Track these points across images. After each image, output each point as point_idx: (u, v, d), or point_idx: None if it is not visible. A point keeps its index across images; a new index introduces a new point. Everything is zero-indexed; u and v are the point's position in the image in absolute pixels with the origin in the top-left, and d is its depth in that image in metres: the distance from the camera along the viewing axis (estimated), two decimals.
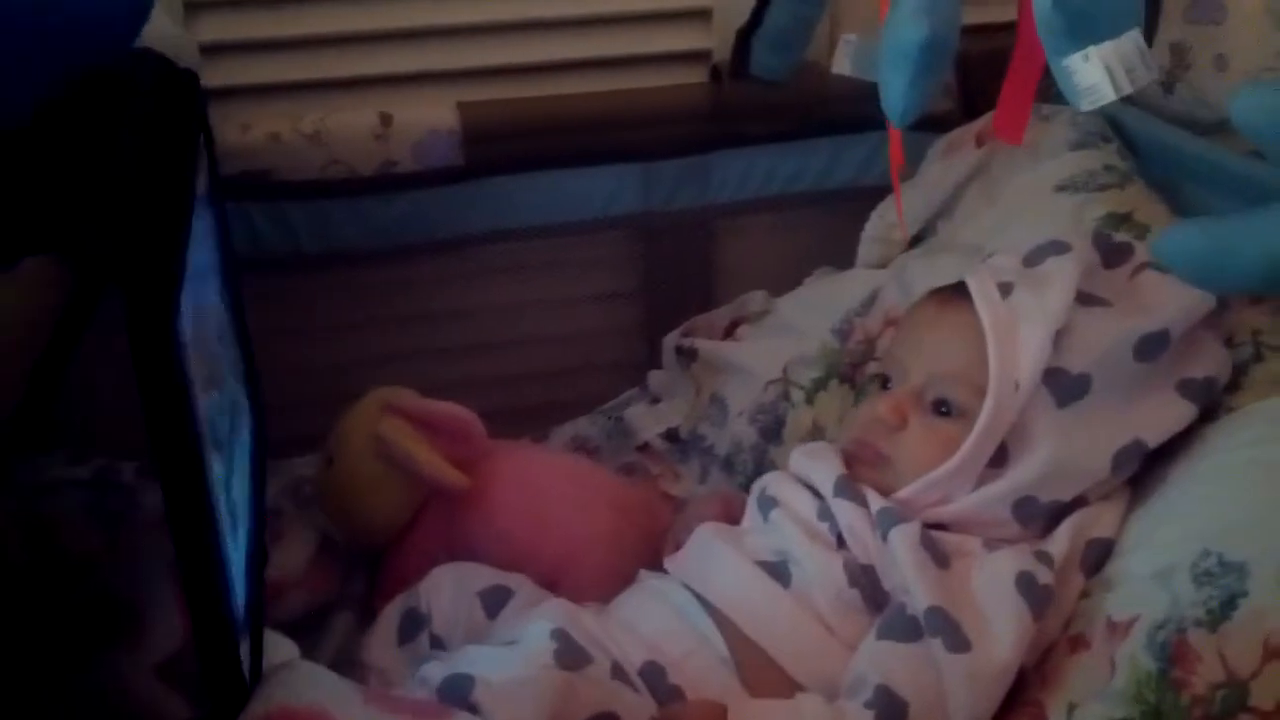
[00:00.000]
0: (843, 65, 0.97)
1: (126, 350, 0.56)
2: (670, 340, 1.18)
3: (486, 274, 1.19)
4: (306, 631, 0.98)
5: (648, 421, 1.16)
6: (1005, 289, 0.87)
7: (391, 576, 0.99)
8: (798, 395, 1.08)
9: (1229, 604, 0.71)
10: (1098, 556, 0.82)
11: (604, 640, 0.84)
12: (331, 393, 1.03)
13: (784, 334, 1.13)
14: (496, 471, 0.99)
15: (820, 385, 1.07)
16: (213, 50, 1.09)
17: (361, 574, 1.03)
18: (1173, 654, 0.71)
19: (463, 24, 1.13)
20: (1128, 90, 0.71)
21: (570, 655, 0.79)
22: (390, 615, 0.92)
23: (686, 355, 1.17)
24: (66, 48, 0.65)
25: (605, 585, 0.93)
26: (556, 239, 1.18)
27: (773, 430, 1.07)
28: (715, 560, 0.87)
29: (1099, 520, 0.84)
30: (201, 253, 0.74)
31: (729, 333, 1.18)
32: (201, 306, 0.69)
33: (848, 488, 0.86)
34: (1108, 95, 0.71)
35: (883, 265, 1.14)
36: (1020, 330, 0.84)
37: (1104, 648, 0.75)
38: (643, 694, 0.81)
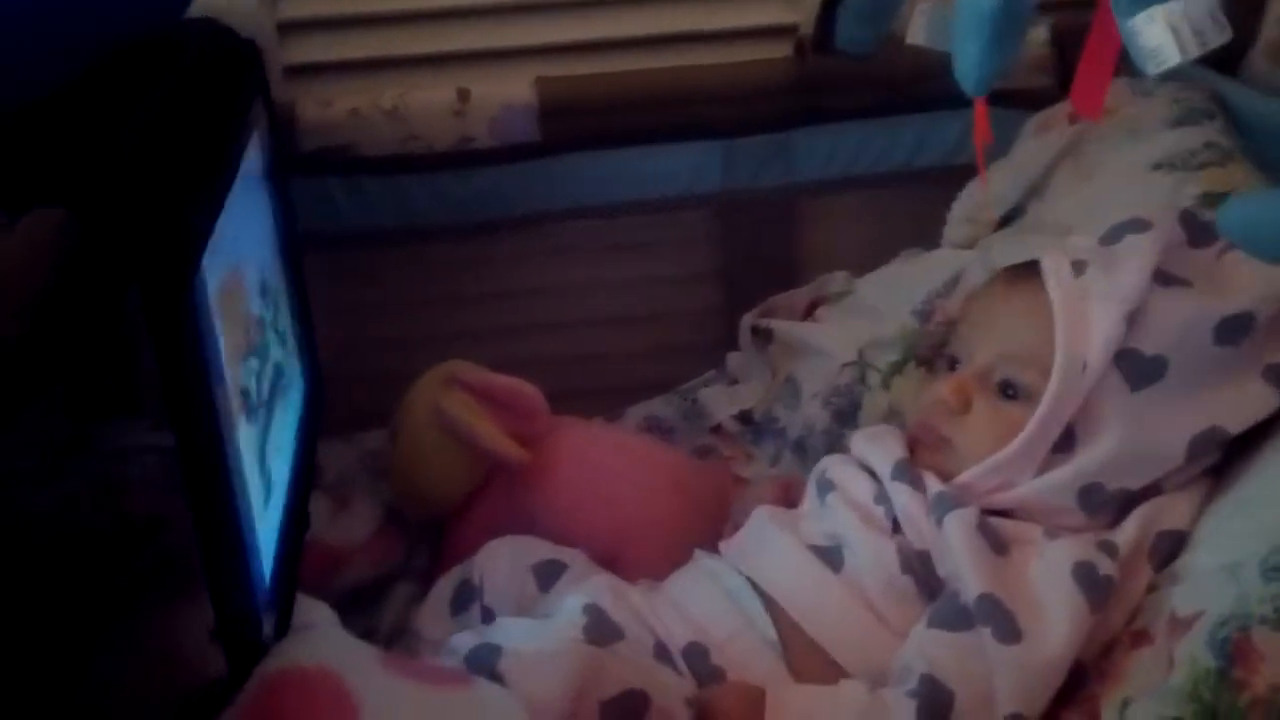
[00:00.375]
0: (917, 34, 0.93)
1: None
2: (747, 320, 1.16)
3: (564, 252, 1.18)
4: (369, 601, 0.99)
5: (722, 403, 1.14)
6: (1079, 267, 0.83)
7: (453, 549, 0.99)
8: (874, 378, 1.05)
9: None
10: (1169, 549, 0.78)
11: (649, 618, 0.83)
12: (407, 368, 1.04)
13: (863, 315, 1.09)
14: (558, 448, 0.98)
15: (897, 369, 1.04)
16: (296, 27, 1.10)
17: (426, 547, 1.03)
18: (1234, 652, 0.67)
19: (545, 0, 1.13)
20: (1195, 53, 0.67)
21: (600, 631, 0.78)
22: (444, 586, 0.92)
23: (763, 336, 1.15)
24: (108, 14, 0.66)
25: (664, 565, 0.91)
26: (635, 217, 1.17)
27: (847, 414, 1.04)
28: (767, 544, 0.85)
29: (1172, 510, 0.79)
30: (249, 224, 0.75)
31: (809, 313, 1.15)
32: (238, 274, 0.69)
33: (906, 471, 0.83)
34: (1173, 58, 0.67)
35: (970, 246, 1.10)
36: (1091, 309, 0.81)
37: (1165, 643, 0.71)
38: (684, 674, 0.80)
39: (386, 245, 1.14)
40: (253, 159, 0.75)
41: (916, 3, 0.93)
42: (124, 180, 0.56)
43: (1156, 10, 0.67)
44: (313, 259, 1.13)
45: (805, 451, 1.06)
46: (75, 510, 0.91)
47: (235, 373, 0.65)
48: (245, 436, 0.66)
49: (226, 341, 0.62)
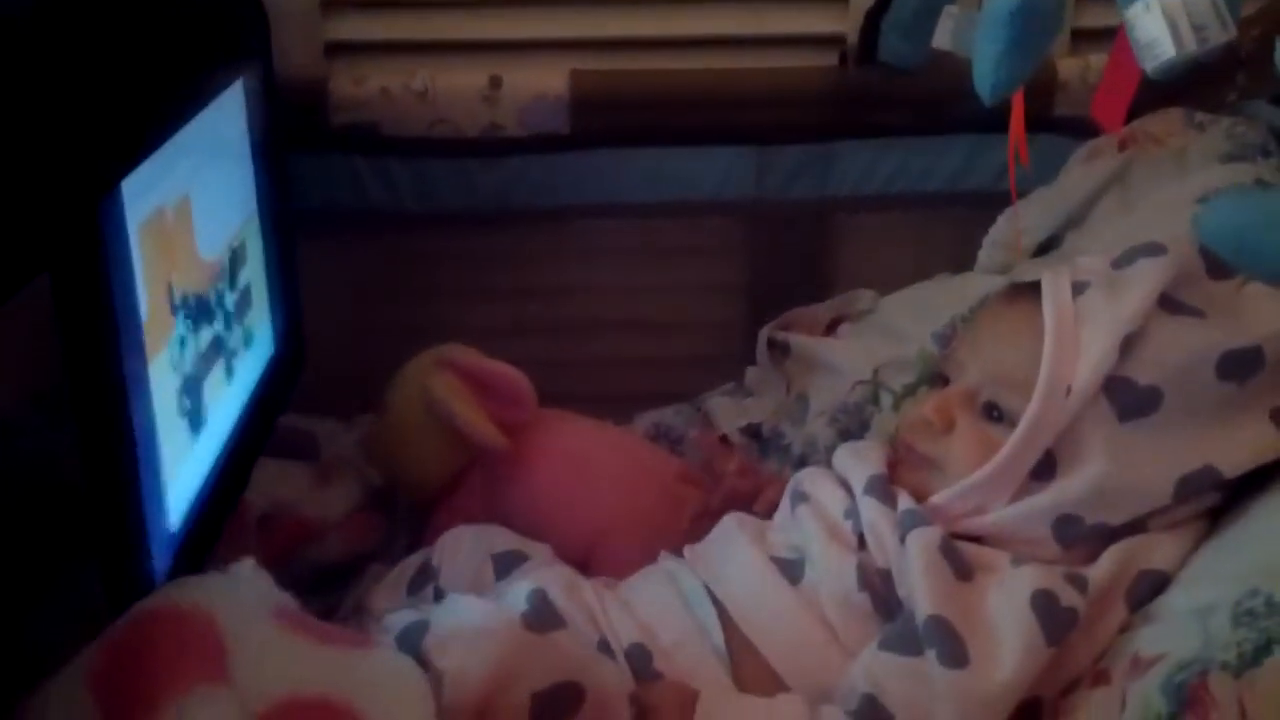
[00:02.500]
0: (943, 39, 0.91)
1: None
2: (764, 333, 1.12)
3: (587, 251, 1.16)
4: (342, 578, 0.98)
5: (730, 414, 1.10)
6: (1079, 289, 0.78)
7: (432, 533, 0.97)
8: (887, 400, 1.00)
9: (1264, 649, 0.61)
10: (1148, 589, 0.73)
11: (596, 615, 0.79)
12: (417, 353, 1.02)
13: (883, 335, 1.05)
14: (544, 439, 0.96)
15: (910, 391, 1.00)
16: (339, 4, 1.11)
17: (408, 531, 1.01)
18: (1188, 697, 0.62)
19: None
20: (1193, 48, 0.63)
21: (541, 618, 0.75)
22: (405, 566, 0.90)
23: (780, 349, 1.11)
24: None
25: (638, 565, 0.88)
26: (661, 220, 1.15)
27: (853, 433, 1.00)
28: (730, 551, 0.82)
29: (1156, 550, 0.74)
30: (218, 171, 0.74)
31: (830, 330, 1.11)
32: (183, 212, 0.68)
33: (879, 487, 0.79)
34: (1168, 52, 0.63)
35: (1004, 272, 1.05)
36: (1084, 332, 0.75)
37: (1121, 684, 0.66)
38: (625, 672, 0.76)
39: (407, 229, 1.14)
40: (233, 105, 0.75)
41: (946, 7, 0.90)
42: (49, 100, 0.55)
43: (1154, 0, 0.62)
44: (333, 238, 1.14)
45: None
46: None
47: (157, 307, 0.64)
48: (161, 374, 0.64)
49: (147, 271, 0.61)
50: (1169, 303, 0.76)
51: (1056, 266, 0.84)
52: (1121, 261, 0.80)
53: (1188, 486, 0.73)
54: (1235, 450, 0.73)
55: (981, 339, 0.82)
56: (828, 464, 0.99)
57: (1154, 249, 0.79)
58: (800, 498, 0.83)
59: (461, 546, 0.89)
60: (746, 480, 0.90)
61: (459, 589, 0.86)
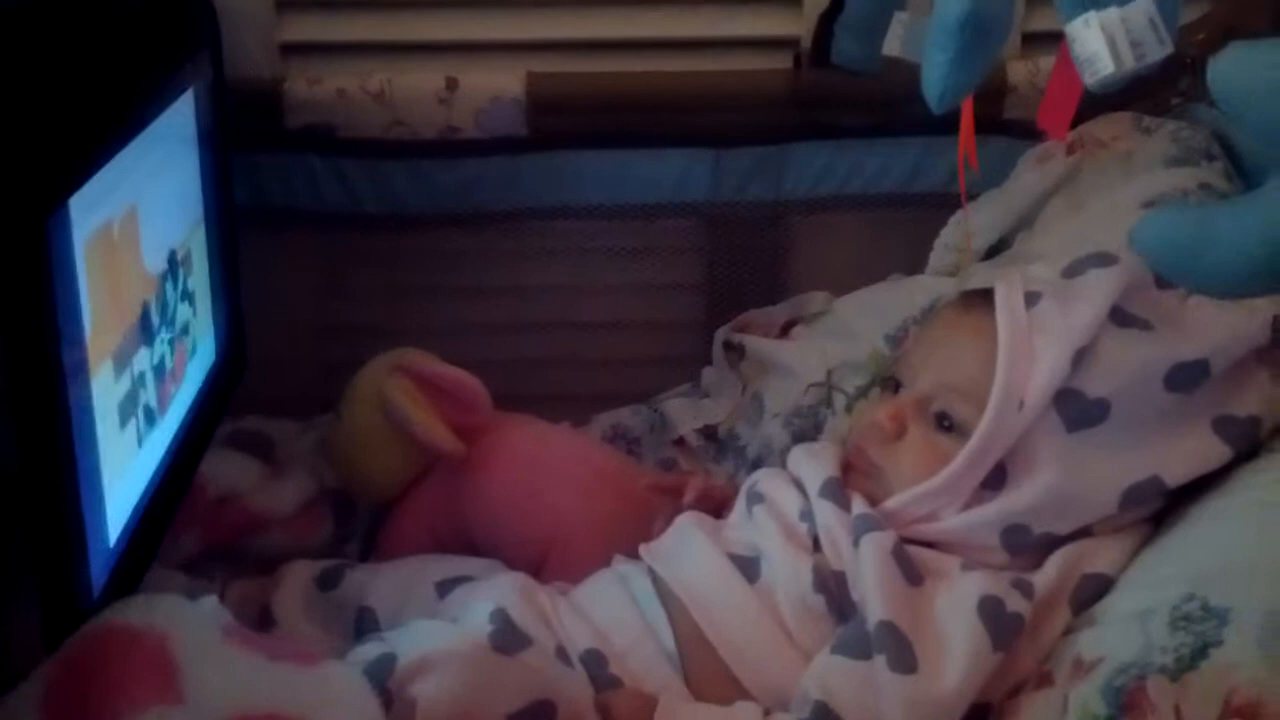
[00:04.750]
0: (893, 45, 0.91)
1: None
2: (720, 335, 1.13)
3: (544, 252, 1.16)
4: None
5: (686, 416, 1.11)
6: (1032, 299, 0.79)
7: (387, 538, 0.99)
8: (840, 401, 1.01)
9: (1200, 653, 0.63)
10: (1092, 593, 0.75)
11: (552, 621, 0.80)
12: (375, 354, 1.03)
13: (836, 337, 1.06)
14: (499, 444, 0.97)
15: (862, 393, 1.01)
16: (294, 5, 1.10)
17: (361, 531, 1.02)
18: (1126, 701, 0.64)
19: None
20: (1131, 65, 0.64)
21: (507, 638, 0.75)
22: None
23: (735, 351, 1.12)
24: None
25: (595, 568, 0.89)
26: (618, 221, 1.15)
27: (808, 435, 1.01)
28: (687, 548, 0.83)
29: (1100, 554, 0.76)
30: (165, 179, 0.74)
31: (785, 332, 1.12)
32: (130, 224, 0.68)
33: (833, 490, 0.80)
34: (1106, 68, 0.64)
35: (954, 274, 1.07)
36: (1037, 344, 0.77)
37: (1063, 687, 0.68)
38: (582, 679, 0.77)
39: (367, 230, 1.13)
40: (182, 115, 0.75)
41: (896, 14, 0.91)
42: None
43: (1093, 16, 0.64)
44: (292, 238, 1.14)
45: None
46: None
47: (101, 324, 0.64)
48: (104, 389, 0.64)
49: (92, 287, 0.61)
50: (1119, 314, 0.77)
51: (1008, 273, 0.85)
52: (1072, 271, 0.81)
53: (1133, 496, 0.75)
54: (1180, 460, 0.75)
55: (934, 347, 0.83)
56: (783, 465, 1.00)
57: (1104, 259, 0.81)
58: (756, 498, 0.84)
59: (379, 580, 0.89)
60: (712, 499, 0.90)
61: (398, 618, 0.86)
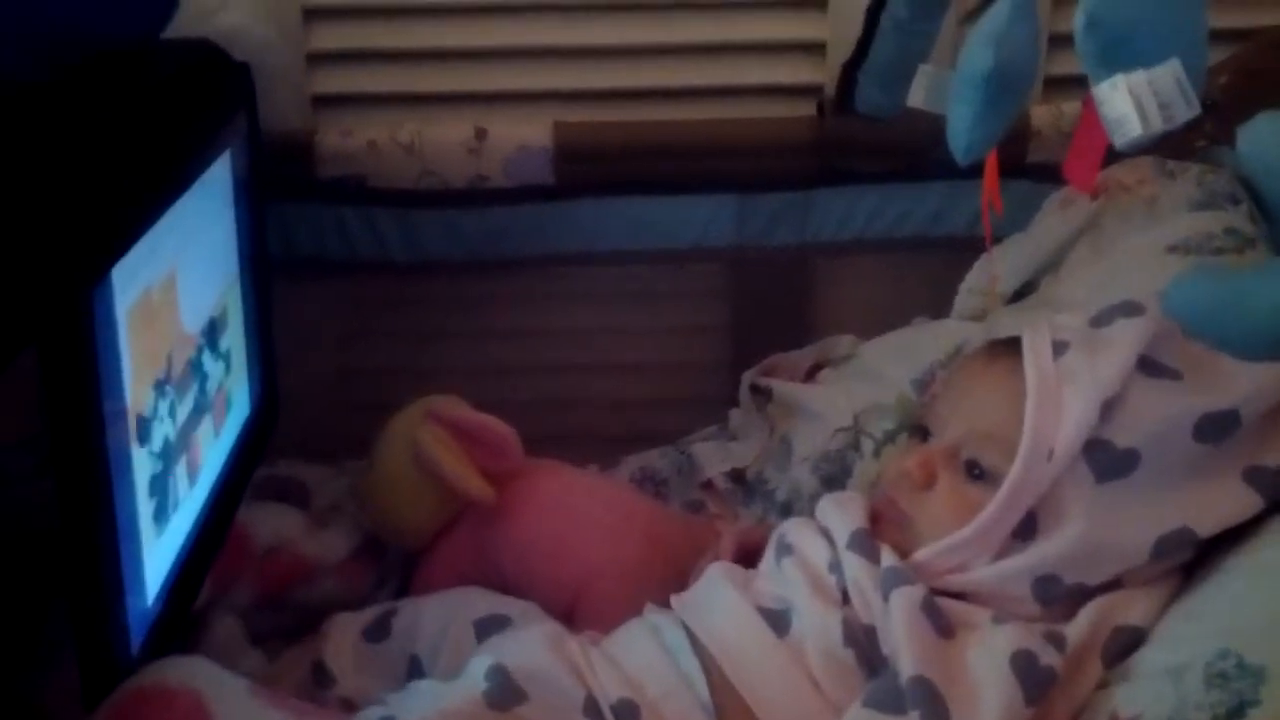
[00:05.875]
0: (917, 97, 0.92)
1: None
2: (747, 378, 1.14)
3: (572, 297, 1.18)
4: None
5: (715, 459, 1.12)
6: (1060, 348, 0.80)
7: (421, 584, 0.99)
8: (868, 446, 1.02)
9: (1237, 711, 0.63)
10: (1124, 646, 0.74)
11: (584, 670, 0.80)
12: (406, 401, 1.04)
13: (863, 381, 1.07)
14: (530, 490, 0.98)
15: (890, 438, 1.01)
16: (325, 58, 1.12)
17: (396, 580, 1.03)
18: None
19: (570, 45, 1.13)
20: (1159, 127, 0.65)
21: (502, 694, 0.75)
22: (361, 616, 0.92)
23: (762, 394, 1.13)
24: (76, 24, 0.67)
25: (624, 614, 0.89)
26: (645, 266, 1.16)
27: (837, 480, 1.02)
28: (716, 599, 0.83)
29: (1131, 606, 0.76)
30: (203, 241, 0.76)
31: (810, 375, 1.13)
32: (169, 290, 0.69)
33: (862, 542, 0.81)
34: (1135, 130, 0.65)
35: (980, 319, 1.07)
36: (1066, 394, 0.77)
37: None
38: None
39: (397, 277, 1.15)
40: (219, 177, 0.76)
41: (921, 66, 0.92)
42: (41, 185, 0.57)
43: (1120, 79, 0.64)
44: (323, 287, 1.15)
45: (791, 514, 1.03)
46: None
47: (141, 389, 0.65)
48: (140, 457, 0.65)
49: (134, 353, 0.62)
50: (1147, 364, 0.77)
51: (1035, 321, 0.86)
52: (1100, 320, 0.82)
53: (1164, 546, 0.75)
54: (1210, 511, 0.75)
55: (962, 395, 0.84)
56: (810, 510, 1.01)
57: (1132, 308, 0.81)
58: (785, 549, 0.85)
59: (423, 620, 0.90)
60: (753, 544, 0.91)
61: (435, 659, 0.87)
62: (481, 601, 0.91)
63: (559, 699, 0.77)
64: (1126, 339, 0.78)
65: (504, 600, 0.91)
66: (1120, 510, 0.75)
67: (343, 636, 0.90)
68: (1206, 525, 0.75)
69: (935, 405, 0.87)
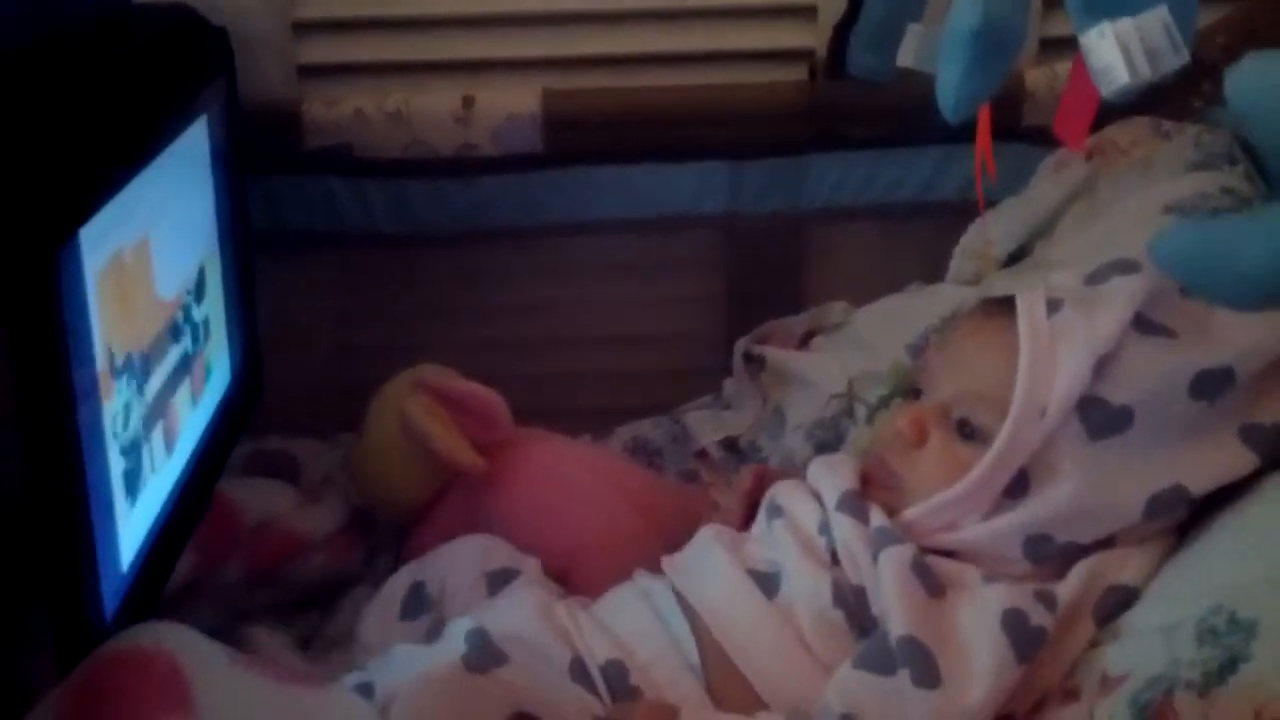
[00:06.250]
0: (906, 56, 0.91)
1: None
2: (740, 346, 1.13)
3: (563, 267, 1.16)
4: (324, 600, 0.98)
5: (707, 428, 1.11)
6: (1054, 306, 0.79)
7: (410, 553, 0.98)
8: (861, 412, 1.01)
9: (1228, 666, 0.62)
10: (1115, 604, 0.74)
11: (571, 634, 0.80)
12: (395, 371, 1.03)
13: (856, 347, 1.06)
14: (520, 459, 0.97)
15: (883, 404, 1.00)
16: (311, 27, 1.11)
17: (388, 554, 1.02)
18: (1154, 716, 0.62)
19: (559, 11, 1.12)
20: (1147, 76, 0.63)
21: (481, 656, 0.74)
22: (392, 588, 0.91)
23: (756, 363, 1.12)
24: None
25: (615, 582, 0.88)
26: (636, 235, 1.15)
27: (830, 446, 1.01)
28: (707, 562, 0.83)
29: (1123, 565, 0.75)
30: (178, 206, 0.75)
31: (804, 342, 1.12)
32: (141, 254, 0.68)
33: (851, 502, 0.80)
34: (1122, 79, 0.63)
35: (974, 283, 1.06)
36: (1059, 352, 0.76)
37: (1089, 702, 0.67)
38: (601, 692, 0.77)
39: (385, 249, 1.14)
40: (196, 143, 0.75)
41: (910, 25, 0.91)
42: (6, 146, 0.56)
43: (1107, 26, 0.63)
44: (311, 259, 1.14)
45: None
46: None
47: (112, 352, 0.64)
48: (115, 418, 0.64)
49: (104, 317, 0.61)
50: (1142, 322, 0.76)
51: (1030, 281, 0.84)
52: (1095, 278, 0.81)
53: (1157, 505, 0.74)
54: (1204, 469, 0.74)
55: (955, 354, 0.83)
56: (804, 478, 1.00)
57: (1127, 265, 0.80)
58: (775, 511, 0.84)
59: (459, 564, 0.90)
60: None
61: (457, 607, 0.86)
62: (498, 552, 0.91)
63: (542, 663, 0.77)
64: (1122, 296, 0.77)
65: (517, 554, 0.91)
66: (1113, 468, 0.74)
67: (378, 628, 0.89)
68: (1200, 483, 0.74)
69: (928, 365, 0.87)
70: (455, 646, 0.76)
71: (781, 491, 0.86)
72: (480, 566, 0.90)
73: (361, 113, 1.09)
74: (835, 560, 0.79)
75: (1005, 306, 0.82)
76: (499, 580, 0.89)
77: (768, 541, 0.83)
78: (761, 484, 0.90)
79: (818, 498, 0.83)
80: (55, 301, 0.55)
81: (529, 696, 0.71)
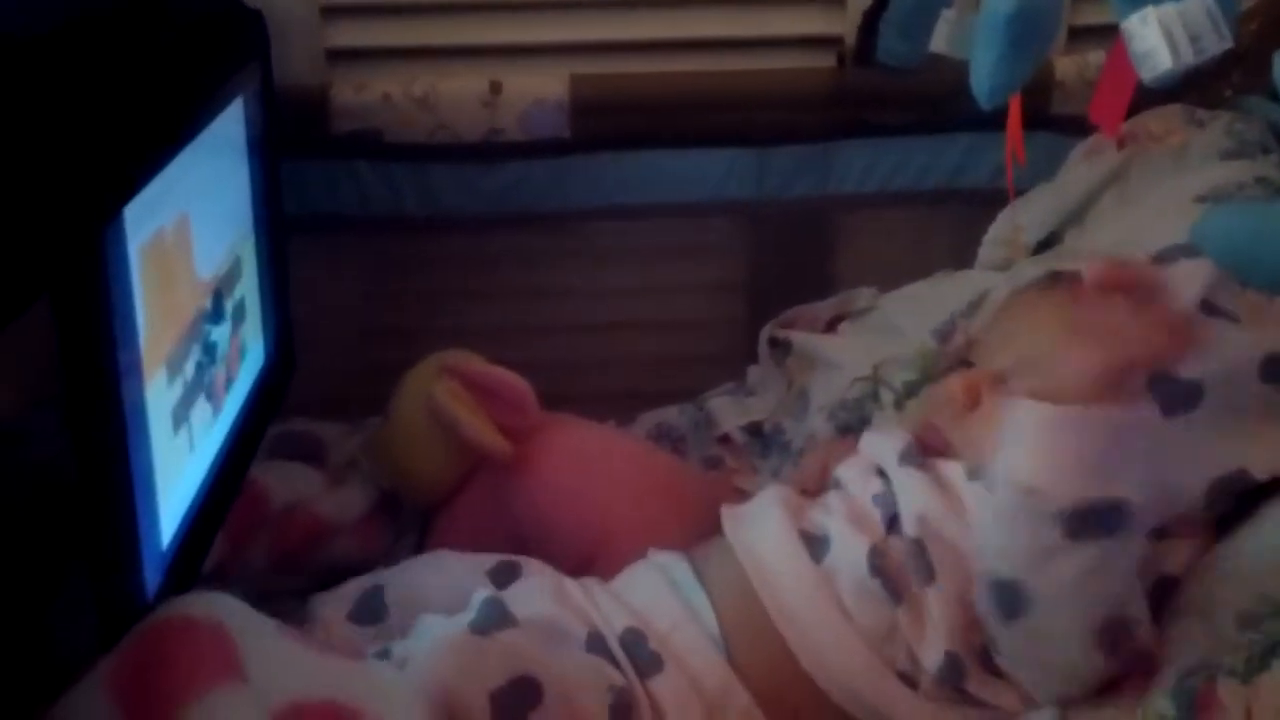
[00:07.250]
0: (939, 42, 0.91)
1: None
2: (766, 331, 1.13)
3: (589, 253, 1.17)
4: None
5: (731, 413, 1.11)
6: None
7: (437, 539, 0.98)
8: (887, 397, 1.01)
9: (1271, 652, 0.62)
10: (1159, 594, 0.73)
11: (587, 609, 0.80)
12: (422, 356, 1.03)
13: (884, 332, 1.06)
14: (547, 444, 0.97)
15: (912, 390, 1.00)
16: (340, 11, 1.11)
17: (413, 537, 1.02)
18: (1196, 702, 0.62)
19: None
20: (1190, 60, 0.63)
21: (488, 621, 0.75)
22: (354, 585, 0.88)
23: (781, 348, 1.12)
24: None
25: None
26: (662, 221, 1.15)
27: (853, 429, 1.00)
28: (763, 519, 0.82)
29: (1171, 557, 0.74)
30: (216, 187, 0.75)
31: (830, 328, 1.12)
32: (182, 233, 0.69)
33: (913, 455, 0.80)
34: (1164, 64, 0.64)
35: (1004, 269, 1.06)
36: None
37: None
38: (621, 662, 0.76)
39: (412, 233, 1.14)
40: (232, 125, 0.75)
41: (943, 11, 0.90)
42: (52, 128, 0.56)
43: (1150, 12, 0.63)
44: (338, 243, 1.15)
45: None
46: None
47: (159, 329, 0.64)
48: (157, 396, 0.65)
49: (146, 293, 0.61)
50: (1207, 306, 0.76)
51: (1097, 256, 0.84)
52: (1163, 258, 0.80)
53: (1219, 489, 0.74)
54: (1268, 454, 0.74)
55: (1015, 326, 0.82)
56: None
57: (1194, 250, 0.79)
58: (835, 483, 0.84)
59: (431, 578, 0.87)
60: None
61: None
62: (483, 555, 0.89)
63: (559, 638, 0.77)
64: (1191, 278, 0.77)
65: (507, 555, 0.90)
66: (1181, 448, 0.74)
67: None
68: (1264, 469, 0.74)
69: (984, 337, 0.86)
70: (468, 614, 0.76)
71: (843, 466, 0.86)
72: (480, 567, 0.88)
73: (389, 97, 1.10)
74: (892, 527, 0.78)
75: (1065, 280, 0.81)
76: (504, 573, 0.87)
77: (824, 508, 0.83)
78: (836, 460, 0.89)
79: (874, 470, 0.83)
80: (102, 278, 0.56)
81: (532, 661, 0.71)
